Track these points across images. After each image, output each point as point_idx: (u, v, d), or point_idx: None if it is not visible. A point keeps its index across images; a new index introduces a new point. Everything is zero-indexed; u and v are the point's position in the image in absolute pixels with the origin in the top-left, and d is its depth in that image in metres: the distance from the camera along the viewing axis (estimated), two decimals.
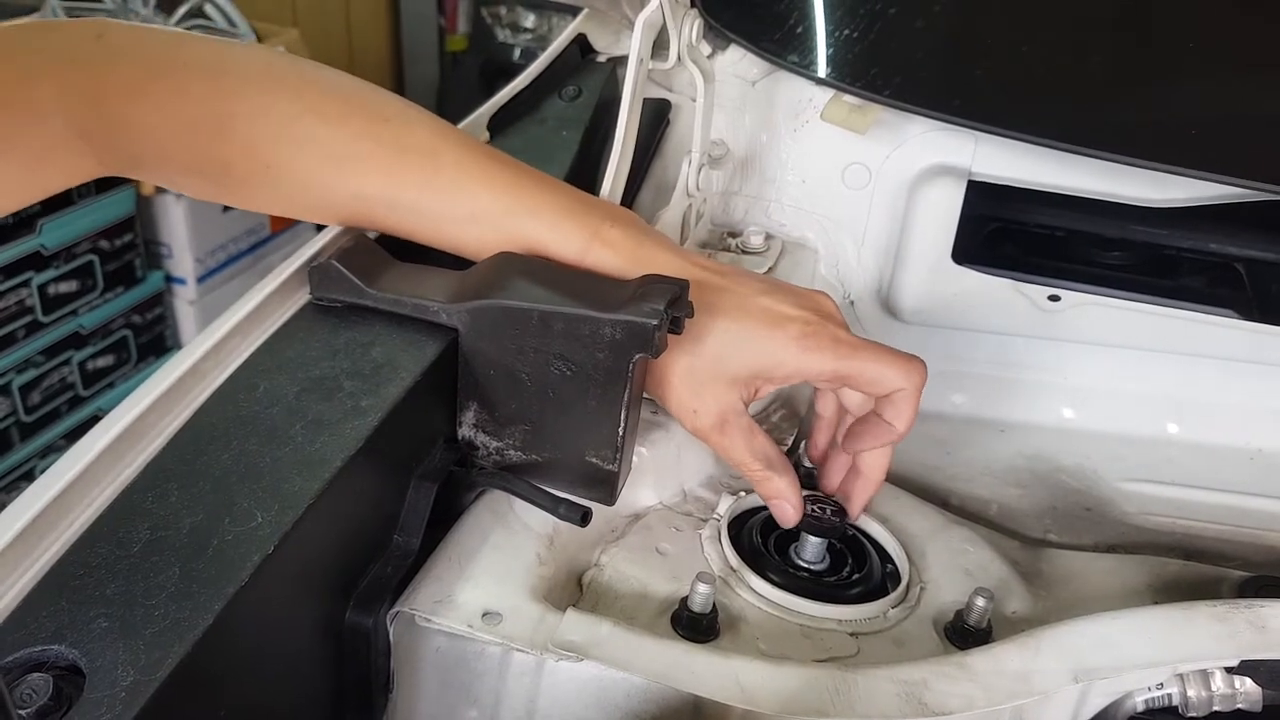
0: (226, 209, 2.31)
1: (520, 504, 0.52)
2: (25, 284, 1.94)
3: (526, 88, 0.73)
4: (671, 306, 0.47)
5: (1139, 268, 0.85)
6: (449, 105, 3.52)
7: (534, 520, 0.51)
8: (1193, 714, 0.56)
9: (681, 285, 0.48)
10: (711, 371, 0.52)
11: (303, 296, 0.53)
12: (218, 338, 0.48)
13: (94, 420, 2.20)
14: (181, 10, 2.53)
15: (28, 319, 1.94)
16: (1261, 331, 0.70)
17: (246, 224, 2.42)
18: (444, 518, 0.51)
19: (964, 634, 0.53)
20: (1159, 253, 0.84)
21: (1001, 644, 0.48)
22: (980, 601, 0.53)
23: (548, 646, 0.45)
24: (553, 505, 0.49)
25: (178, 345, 2.37)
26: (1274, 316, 0.72)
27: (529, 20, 3.67)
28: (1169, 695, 0.56)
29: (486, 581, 0.48)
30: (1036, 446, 0.74)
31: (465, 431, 0.53)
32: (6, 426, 1.94)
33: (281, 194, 0.55)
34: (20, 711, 0.33)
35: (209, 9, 2.63)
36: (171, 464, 0.42)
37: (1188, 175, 0.60)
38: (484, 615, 0.46)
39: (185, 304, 2.39)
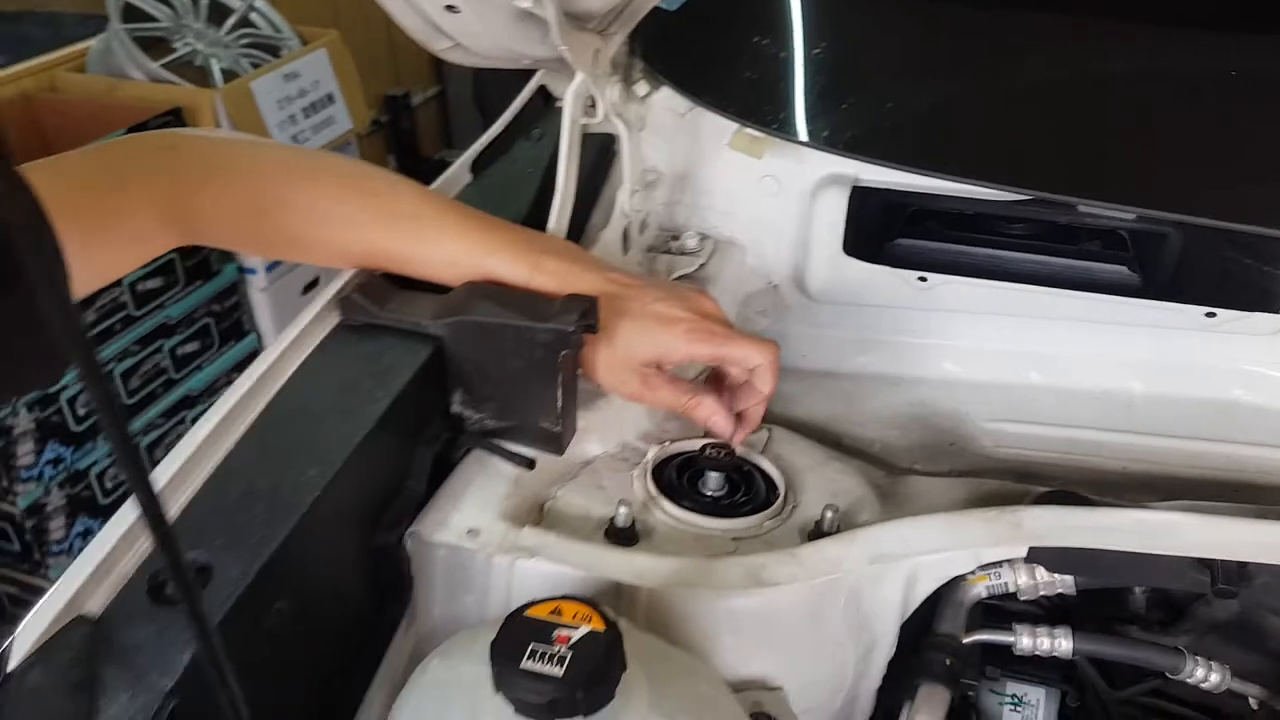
0: None
1: (494, 457, 0.73)
2: (117, 284, 2.19)
3: (501, 133, 0.94)
4: (583, 317, 0.68)
5: (1036, 237, 1.02)
6: (484, 87, 3.72)
7: (503, 468, 0.73)
8: (1025, 596, 0.76)
9: (591, 301, 0.69)
10: (624, 358, 0.73)
11: (334, 319, 0.75)
12: (277, 353, 0.70)
13: (186, 400, 2.45)
14: (231, 20, 2.76)
15: (122, 314, 2.19)
16: (1097, 299, 0.88)
17: None
18: (442, 468, 0.73)
19: (818, 538, 0.73)
20: (1054, 226, 1.01)
21: (827, 540, 0.68)
22: (829, 514, 0.73)
23: (511, 550, 0.67)
24: (510, 456, 0.71)
25: (254, 329, 2.61)
26: (1155, 277, 0.89)
27: None
28: (1005, 583, 0.76)
29: (471, 509, 0.70)
30: (921, 396, 0.93)
31: (455, 408, 0.75)
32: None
33: (311, 255, 0.77)
34: (162, 599, 0.55)
35: (255, 17, 2.85)
36: (252, 441, 0.65)
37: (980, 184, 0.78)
38: (468, 531, 0.68)
39: (258, 291, 2.62)
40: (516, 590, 0.69)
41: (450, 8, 0.72)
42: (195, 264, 2.40)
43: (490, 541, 0.67)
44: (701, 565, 0.66)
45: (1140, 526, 0.65)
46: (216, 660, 0.40)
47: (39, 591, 2.12)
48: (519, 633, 0.51)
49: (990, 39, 0.88)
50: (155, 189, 0.73)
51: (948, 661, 0.75)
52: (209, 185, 0.74)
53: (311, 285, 2.71)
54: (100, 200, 0.71)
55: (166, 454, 0.64)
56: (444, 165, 0.91)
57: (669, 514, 0.74)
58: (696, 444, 0.80)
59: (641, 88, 0.93)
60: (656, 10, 0.90)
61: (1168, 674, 0.78)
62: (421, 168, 3.29)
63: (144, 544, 0.59)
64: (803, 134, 0.85)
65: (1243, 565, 0.64)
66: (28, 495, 2.02)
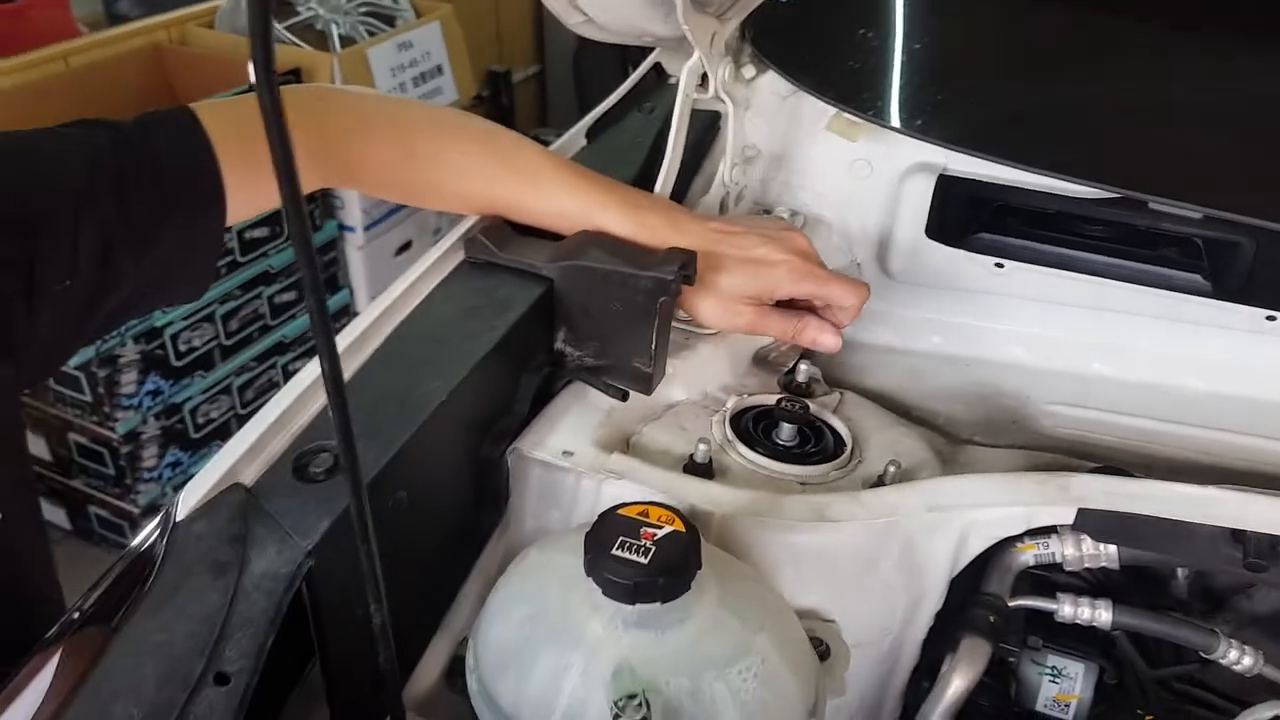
0: None
1: (590, 389, 0.81)
2: (227, 230, 2.32)
3: (616, 104, 1.02)
4: (682, 268, 0.76)
5: (1113, 240, 1.06)
6: (584, 65, 3.82)
7: (598, 401, 0.81)
8: (1070, 567, 0.82)
9: (691, 254, 0.77)
10: (734, 296, 0.81)
11: (459, 257, 0.83)
12: (411, 280, 0.79)
13: (279, 345, 2.58)
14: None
15: (228, 259, 2.32)
16: (1164, 296, 0.92)
17: None
18: (543, 396, 0.81)
19: (878, 488, 0.80)
20: (1131, 229, 1.06)
21: (888, 488, 0.75)
22: (891, 468, 0.80)
23: (600, 470, 0.75)
24: (606, 388, 0.79)
25: (348, 284, 2.74)
26: (1225, 283, 0.93)
27: None
28: (1052, 554, 0.82)
29: (566, 434, 0.78)
30: (988, 376, 0.99)
31: (559, 345, 0.83)
32: (210, 349, 2.33)
33: (443, 202, 0.87)
34: (317, 471, 0.64)
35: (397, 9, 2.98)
36: (385, 355, 0.74)
37: (1078, 182, 0.84)
38: (563, 452, 0.76)
39: (354, 249, 2.75)
40: (601, 508, 0.76)
41: None
42: None
43: (581, 462, 0.76)
44: (770, 499, 0.73)
45: (1181, 498, 0.70)
46: (364, 521, 0.49)
47: (127, 516, 2.27)
48: (611, 527, 0.59)
49: (1077, 40, 0.92)
50: (308, 135, 0.82)
51: (991, 619, 0.81)
52: (357, 135, 0.84)
53: (404, 248, 2.83)
54: (258, 142, 0.81)
55: (258, 396, 0.73)
56: (539, 142, 1.00)
57: (743, 456, 0.81)
58: (772, 399, 0.87)
59: (749, 70, 1.00)
60: (774, 2, 0.97)
61: (1202, 653, 0.83)
62: None
63: (291, 430, 0.68)
64: (896, 121, 0.91)
65: (1275, 541, 0.69)
66: (126, 422, 2.15)
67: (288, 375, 2.52)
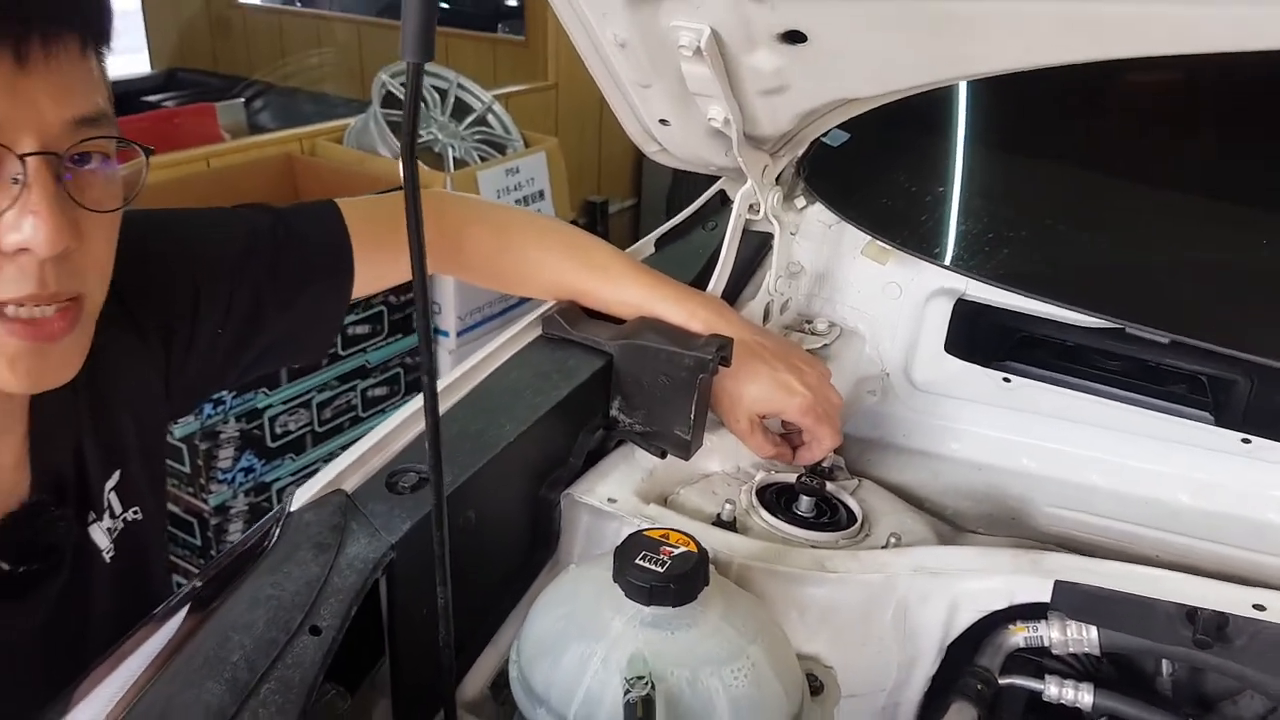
0: None
1: (637, 451, 0.95)
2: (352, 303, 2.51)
3: (683, 221, 1.19)
4: (720, 350, 0.90)
5: (1128, 374, 1.17)
6: (677, 200, 4.09)
7: (644, 460, 0.95)
8: (1056, 650, 0.91)
9: (729, 340, 0.91)
10: (747, 404, 0.95)
11: (537, 331, 0.99)
12: (495, 346, 0.95)
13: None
14: (470, 118, 3.20)
15: (330, 352, 2.50)
16: (1156, 417, 1.03)
17: (499, 293, 2.99)
18: (597, 455, 0.95)
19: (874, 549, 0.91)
20: (1141, 364, 1.17)
21: (882, 550, 0.86)
22: (892, 540, 0.91)
23: (639, 516, 0.88)
24: (650, 447, 0.93)
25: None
26: (1221, 414, 1.03)
27: None
28: (1040, 637, 0.91)
29: (613, 485, 0.92)
30: (997, 480, 1.09)
31: (613, 411, 0.98)
32: (304, 433, 2.49)
33: (527, 289, 1.05)
34: (404, 485, 0.79)
35: (490, 118, 3.30)
36: (468, 401, 0.89)
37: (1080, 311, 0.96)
38: (609, 499, 0.90)
39: (446, 353, 2.93)
40: None
41: (663, 121, 0.99)
42: (399, 319, 2.73)
43: (624, 509, 0.89)
44: (779, 550, 0.85)
45: (1139, 576, 0.80)
46: (441, 520, 0.63)
47: None
48: (636, 544, 0.72)
49: (1081, 187, 1.06)
50: (427, 228, 1.01)
51: (980, 687, 0.90)
52: (465, 229, 1.02)
53: None
54: (387, 230, 1.00)
55: None
56: None
57: (765, 520, 0.94)
58: (793, 477, 0.99)
59: (800, 201, 1.17)
60: (820, 143, 1.14)
61: None
62: None
63: (386, 453, 0.84)
64: (922, 250, 1.05)
65: (1222, 623, 0.77)
66: (218, 495, 2.29)
67: None
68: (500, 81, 3.51)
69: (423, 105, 3.11)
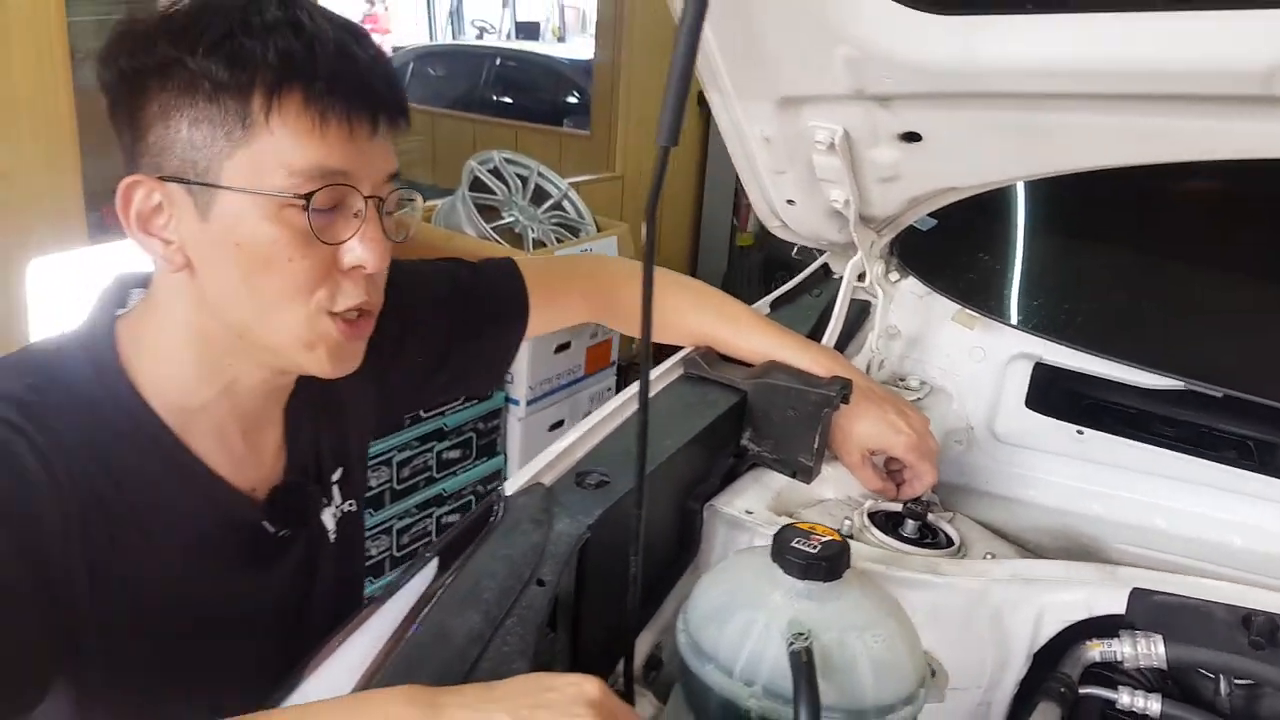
0: (559, 349, 3.09)
1: (766, 473, 1.12)
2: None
3: (794, 287, 1.38)
4: (843, 389, 1.08)
5: (1185, 439, 1.33)
6: (732, 288, 4.32)
7: (770, 481, 1.12)
8: (1128, 664, 1.05)
9: (849, 381, 1.09)
10: (859, 439, 1.12)
11: (679, 372, 1.18)
12: (655, 374, 1.13)
13: (438, 497, 2.89)
14: (548, 203, 3.45)
15: (411, 415, 2.66)
16: (1213, 468, 1.19)
17: (569, 364, 3.18)
18: (732, 474, 1.13)
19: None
20: (1196, 428, 1.33)
21: (983, 560, 1.01)
22: (988, 556, 1.06)
23: (772, 525, 1.04)
24: (780, 468, 1.10)
25: (504, 451, 3.09)
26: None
27: None
28: (1114, 652, 1.06)
29: (748, 500, 1.08)
30: (1072, 522, 1.25)
31: (744, 440, 1.15)
32: (383, 490, 2.66)
33: (670, 335, 1.22)
34: (590, 483, 0.96)
35: (566, 204, 3.55)
36: (630, 424, 1.07)
37: (1153, 372, 1.13)
38: (746, 511, 1.06)
39: (515, 420, 3.11)
40: None
41: (790, 201, 1.18)
42: None
43: (759, 519, 1.05)
44: (896, 557, 1.01)
45: (1203, 585, 0.95)
46: (640, 505, 0.80)
47: None
48: (790, 532, 0.88)
49: (1148, 259, 1.24)
50: (586, 283, 1.21)
51: (1062, 690, 1.04)
52: (619, 285, 1.21)
53: (557, 425, 3.21)
54: (557, 280, 1.20)
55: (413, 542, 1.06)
56: (674, 346, 1.37)
57: (876, 537, 1.10)
58: (896, 507, 1.15)
59: (894, 275, 1.36)
60: (911, 227, 1.34)
61: None
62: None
63: (573, 457, 1.01)
64: (1005, 317, 1.23)
65: (1275, 627, 0.92)
66: None
67: (440, 527, 2.82)
68: (566, 172, 3.77)
69: (506, 189, 3.37)
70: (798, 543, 0.87)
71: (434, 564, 0.86)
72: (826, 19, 0.89)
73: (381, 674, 0.71)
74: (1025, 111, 0.95)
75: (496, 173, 3.38)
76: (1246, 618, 0.94)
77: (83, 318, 0.91)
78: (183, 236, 0.82)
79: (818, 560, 0.85)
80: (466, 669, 0.74)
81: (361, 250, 0.82)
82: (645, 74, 3.99)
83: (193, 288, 0.84)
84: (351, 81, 0.80)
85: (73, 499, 0.79)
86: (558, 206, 3.52)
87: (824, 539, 0.88)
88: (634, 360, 3.46)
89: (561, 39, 10.20)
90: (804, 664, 0.80)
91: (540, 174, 3.51)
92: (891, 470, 1.18)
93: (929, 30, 0.87)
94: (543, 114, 5.95)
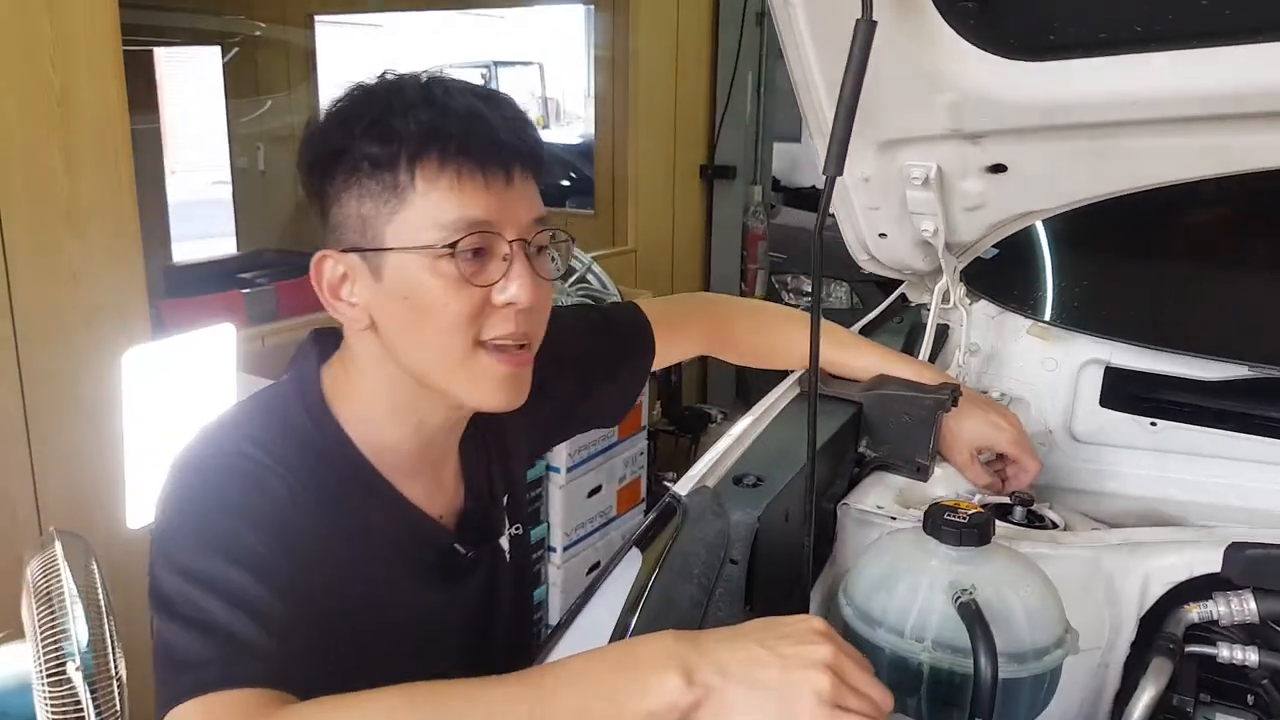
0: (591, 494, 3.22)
1: (885, 475, 1.25)
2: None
3: (876, 316, 1.53)
4: (954, 391, 1.22)
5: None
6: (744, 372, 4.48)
7: (891, 482, 1.25)
8: (1224, 621, 1.18)
9: (957, 385, 1.23)
10: (966, 439, 1.26)
11: (797, 390, 1.31)
12: (770, 402, 1.27)
13: None
14: (574, 276, 3.61)
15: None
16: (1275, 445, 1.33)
17: (604, 430, 3.30)
18: (854, 477, 1.26)
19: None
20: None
21: (1098, 531, 1.14)
22: (1094, 528, 1.19)
23: (904, 518, 1.17)
24: (899, 470, 1.23)
25: (546, 518, 3.18)
26: None
27: (807, 286, 4.70)
28: (1210, 612, 1.18)
29: (875, 497, 1.21)
30: (1154, 507, 1.38)
31: (861, 448, 1.28)
32: None
33: (779, 360, 1.36)
34: (747, 483, 1.09)
35: (590, 276, 3.72)
36: (771, 431, 1.20)
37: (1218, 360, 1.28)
38: (876, 506, 1.19)
39: (556, 487, 3.20)
40: None
41: (882, 235, 1.34)
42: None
43: (888, 512, 1.18)
44: (1023, 531, 1.14)
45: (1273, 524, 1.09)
46: (812, 497, 0.93)
47: None
48: (939, 508, 1.01)
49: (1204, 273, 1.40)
50: (703, 320, 1.36)
51: (1170, 646, 1.16)
52: (732, 321, 1.36)
53: (595, 491, 3.32)
54: (678, 319, 1.35)
55: None
56: (701, 413, 1.52)
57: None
58: (1005, 499, 1.28)
59: (967, 300, 1.51)
60: (979, 258, 1.50)
61: None
62: (681, 414, 3.96)
63: (725, 464, 1.14)
64: (1074, 326, 1.38)
65: None
66: None
67: None
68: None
69: None
70: (949, 516, 1.00)
71: (634, 551, 0.99)
72: (932, 71, 1.06)
73: (634, 629, 0.83)
74: (1098, 139, 1.12)
75: None
76: None
77: (288, 371, 1.04)
78: (364, 298, 0.95)
79: (970, 527, 0.98)
80: (696, 628, 0.86)
81: (512, 288, 0.93)
82: (649, 154, 4.21)
83: (378, 343, 0.97)
84: (482, 141, 0.91)
85: (308, 524, 0.91)
86: (582, 279, 3.69)
87: (969, 512, 1.01)
88: (655, 425, 3.60)
89: (545, 125, 10.59)
90: (974, 613, 0.92)
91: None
92: (995, 470, 1.31)
93: (1020, 74, 1.04)
94: (546, 197, 6.19)
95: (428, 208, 0.91)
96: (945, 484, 1.31)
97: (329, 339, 1.05)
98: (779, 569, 1.05)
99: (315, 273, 0.96)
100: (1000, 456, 1.31)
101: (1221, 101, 0.99)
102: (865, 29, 0.87)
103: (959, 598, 0.94)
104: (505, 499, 1.18)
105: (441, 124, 0.91)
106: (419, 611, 1.05)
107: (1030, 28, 1.02)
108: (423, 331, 0.94)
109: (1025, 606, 0.96)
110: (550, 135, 8.62)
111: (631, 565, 0.98)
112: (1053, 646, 0.97)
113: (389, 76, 0.95)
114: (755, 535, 1.03)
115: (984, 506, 1.28)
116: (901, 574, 1.00)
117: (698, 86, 4.31)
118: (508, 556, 1.16)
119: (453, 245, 0.90)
